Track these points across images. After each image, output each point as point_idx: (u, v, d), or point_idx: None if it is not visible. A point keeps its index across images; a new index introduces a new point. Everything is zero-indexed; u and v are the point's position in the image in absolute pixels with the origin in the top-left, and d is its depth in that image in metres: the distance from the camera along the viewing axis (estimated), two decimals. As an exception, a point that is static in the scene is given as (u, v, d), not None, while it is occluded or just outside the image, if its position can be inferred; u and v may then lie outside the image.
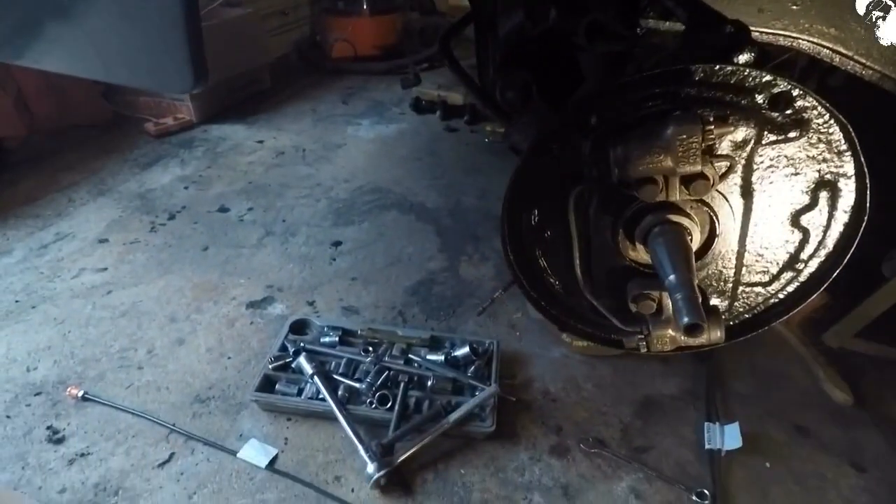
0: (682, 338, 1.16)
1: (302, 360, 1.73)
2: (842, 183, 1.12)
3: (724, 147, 1.11)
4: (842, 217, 1.15)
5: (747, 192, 1.16)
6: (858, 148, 1.08)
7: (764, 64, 1.09)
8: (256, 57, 3.93)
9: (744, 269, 1.24)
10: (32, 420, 1.65)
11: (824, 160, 1.11)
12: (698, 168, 1.06)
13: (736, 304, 1.30)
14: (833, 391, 1.80)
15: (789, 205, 1.16)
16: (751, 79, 1.05)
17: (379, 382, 1.68)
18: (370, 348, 1.82)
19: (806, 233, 1.18)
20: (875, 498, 1.53)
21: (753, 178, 1.14)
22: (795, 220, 1.17)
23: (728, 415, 1.72)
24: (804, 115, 1.07)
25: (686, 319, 0.98)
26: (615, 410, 1.75)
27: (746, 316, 1.32)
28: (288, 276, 2.28)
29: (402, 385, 1.69)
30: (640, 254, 1.22)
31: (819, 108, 1.06)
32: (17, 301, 2.08)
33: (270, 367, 1.74)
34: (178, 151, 3.25)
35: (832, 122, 1.06)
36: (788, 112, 1.07)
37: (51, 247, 2.38)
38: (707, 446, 1.60)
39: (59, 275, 2.22)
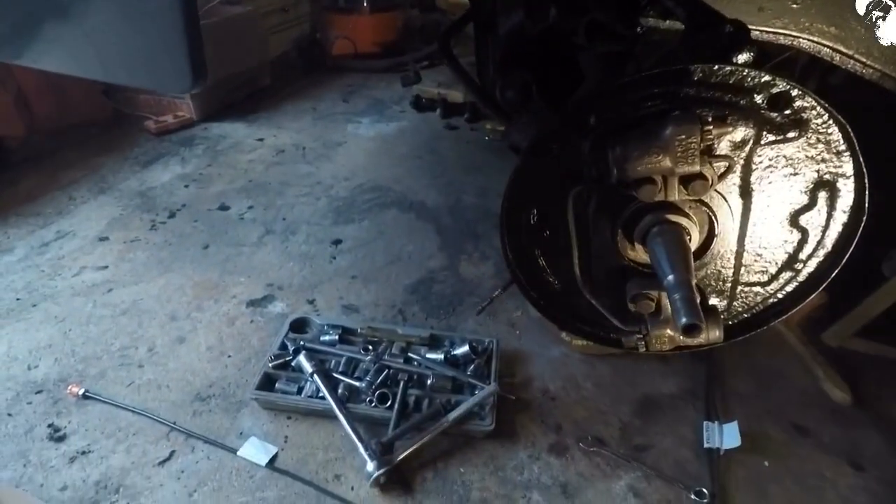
0: (681, 337, 1.16)
1: (302, 358, 1.73)
2: (840, 183, 1.12)
3: (723, 147, 1.11)
4: (840, 217, 1.15)
5: (746, 192, 1.15)
6: (857, 148, 1.08)
7: (763, 63, 1.09)
8: (256, 55, 3.93)
9: (742, 268, 1.24)
10: (34, 418, 1.66)
11: (823, 160, 1.11)
12: (697, 168, 1.06)
13: (735, 303, 1.30)
14: (832, 390, 1.80)
15: (788, 205, 1.16)
16: (750, 79, 1.05)
17: (379, 381, 1.68)
18: (370, 347, 1.82)
19: (805, 233, 1.18)
20: (874, 497, 1.53)
21: (752, 179, 1.14)
22: (794, 220, 1.17)
23: (727, 414, 1.72)
24: (803, 115, 1.07)
25: (684, 320, 0.98)
26: (614, 409, 1.75)
27: (745, 315, 1.32)
28: (288, 274, 2.28)
29: (401, 383, 1.69)
30: (639, 253, 1.22)
31: (818, 108, 1.05)
32: (18, 299, 2.08)
33: (270, 365, 1.75)
34: (179, 149, 3.25)
35: (831, 122, 1.06)
36: (787, 112, 1.07)
37: (52, 245, 2.39)
38: (706, 445, 1.60)
39: (59, 273, 2.23)
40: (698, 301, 1.01)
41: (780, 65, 1.66)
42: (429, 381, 1.72)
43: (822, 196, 1.14)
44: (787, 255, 1.22)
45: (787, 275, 1.24)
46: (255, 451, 1.57)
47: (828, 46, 1.37)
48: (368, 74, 4.43)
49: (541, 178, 1.22)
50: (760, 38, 1.42)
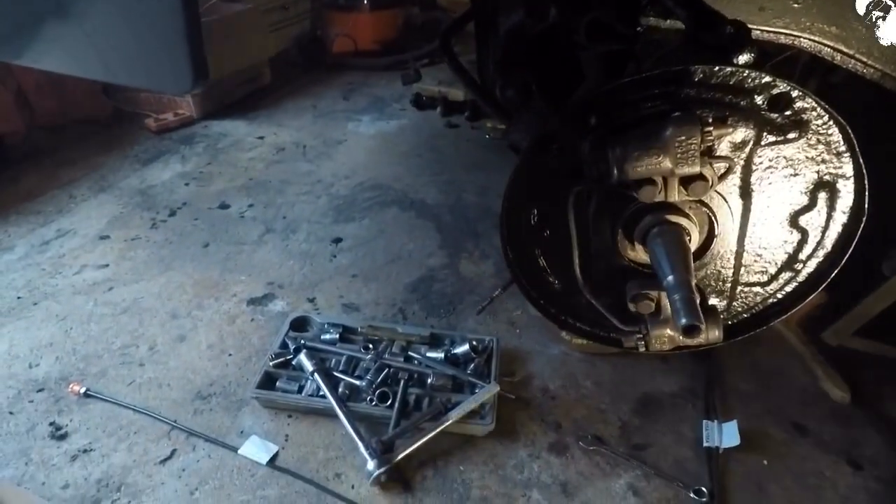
0: (681, 338, 1.16)
1: (302, 357, 1.74)
2: (840, 184, 1.13)
3: (723, 148, 1.12)
4: (840, 218, 1.16)
5: (746, 192, 1.16)
6: (857, 149, 1.08)
7: (764, 64, 1.09)
8: (257, 53, 3.92)
9: (742, 269, 1.25)
10: (35, 416, 1.66)
11: (823, 161, 1.11)
12: (697, 169, 1.06)
13: (734, 303, 1.30)
14: (832, 389, 1.80)
15: (788, 205, 1.16)
16: (750, 80, 1.05)
17: (379, 380, 1.68)
18: (370, 345, 1.82)
19: (804, 233, 1.19)
20: (873, 496, 1.54)
21: (752, 179, 1.14)
22: (794, 220, 1.18)
23: (727, 413, 1.72)
24: (803, 116, 1.07)
25: (684, 320, 0.99)
26: (614, 408, 1.76)
27: (745, 315, 1.32)
28: (288, 272, 2.28)
29: (402, 382, 1.70)
30: (639, 254, 1.23)
31: (818, 109, 1.06)
32: (19, 297, 2.09)
33: (271, 364, 1.75)
34: (179, 147, 3.25)
35: (831, 123, 1.07)
36: (787, 113, 1.07)
37: (52, 243, 2.39)
38: (705, 444, 1.60)
39: (60, 271, 2.23)
40: (698, 301, 1.02)
41: (781, 64, 1.66)
42: (429, 380, 1.73)
43: (822, 197, 1.14)
44: (786, 256, 1.22)
45: (786, 275, 1.25)
46: (256, 449, 1.58)
47: (828, 46, 1.37)
48: (369, 72, 4.43)
49: (541, 177, 1.22)
50: (761, 38, 1.42)
